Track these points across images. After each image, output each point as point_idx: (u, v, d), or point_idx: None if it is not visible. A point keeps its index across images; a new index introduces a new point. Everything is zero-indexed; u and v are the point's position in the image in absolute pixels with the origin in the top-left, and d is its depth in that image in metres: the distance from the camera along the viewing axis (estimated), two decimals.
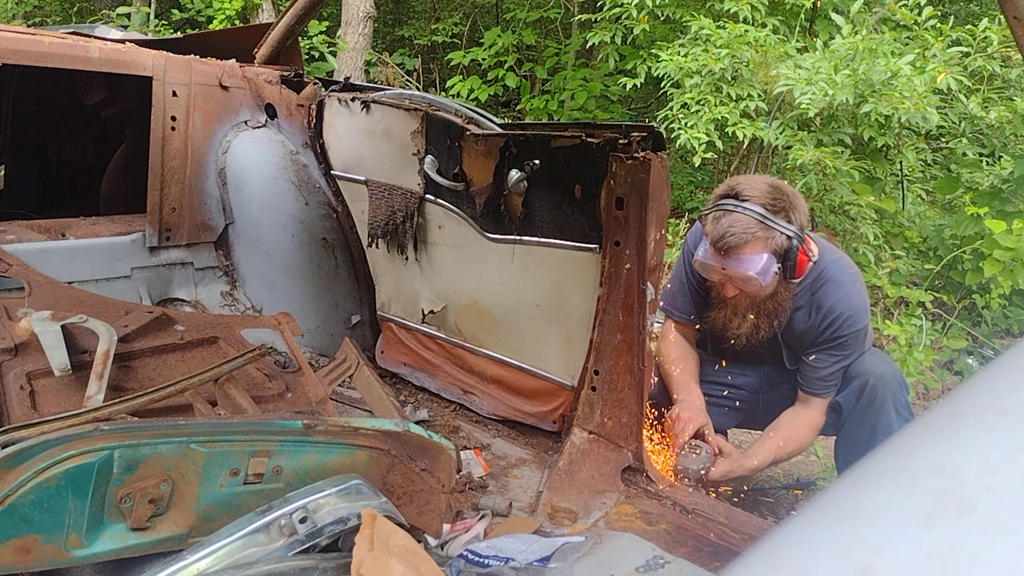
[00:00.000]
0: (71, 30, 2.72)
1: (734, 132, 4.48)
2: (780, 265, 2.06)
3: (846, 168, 4.29)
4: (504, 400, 2.36)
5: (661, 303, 2.40)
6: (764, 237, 2.02)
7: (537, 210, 2.09)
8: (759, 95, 4.62)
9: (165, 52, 2.51)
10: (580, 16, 6.51)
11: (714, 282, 2.19)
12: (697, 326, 2.43)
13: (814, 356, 2.22)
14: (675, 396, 2.27)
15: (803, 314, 2.21)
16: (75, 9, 8.82)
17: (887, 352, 3.25)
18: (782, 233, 2.04)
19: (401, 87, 5.45)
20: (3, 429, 1.30)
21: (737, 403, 2.43)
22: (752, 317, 2.20)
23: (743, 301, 2.17)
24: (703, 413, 2.20)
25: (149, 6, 7.40)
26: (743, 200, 2.04)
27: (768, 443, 2.26)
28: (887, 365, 2.24)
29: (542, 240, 2.11)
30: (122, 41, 2.61)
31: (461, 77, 7.31)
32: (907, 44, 4.51)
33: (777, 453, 2.25)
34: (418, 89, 6.81)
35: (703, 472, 2.10)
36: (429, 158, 2.28)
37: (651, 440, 2.20)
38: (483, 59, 7.18)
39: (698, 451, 2.13)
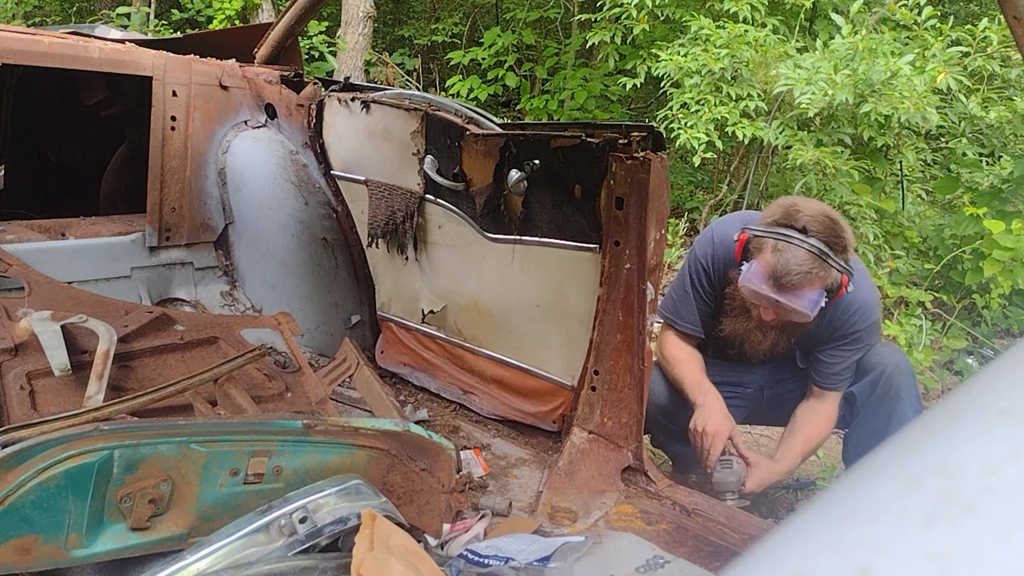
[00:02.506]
0: (71, 30, 2.72)
1: (734, 132, 4.48)
2: (826, 298, 2.06)
3: (846, 168, 4.29)
4: (504, 400, 2.36)
5: (661, 310, 2.36)
6: (823, 276, 2.01)
7: (537, 210, 2.09)
8: (759, 95, 4.62)
9: (165, 52, 2.51)
10: (580, 16, 6.51)
11: (748, 300, 2.14)
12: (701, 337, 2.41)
13: (829, 352, 2.22)
14: (693, 400, 2.21)
15: (817, 314, 2.21)
16: (75, 9, 8.82)
17: None
18: (839, 272, 2.03)
19: (401, 87, 5.45)
20: (3, 429, 1.30)
21: (741, 400, 2.43)
22: (774, 335, 2.18)
23: (774, 321, 2.15)
24: (728, 418, 2.16)
25: (149, 6, 7.40)
26: (807, 235, 2.00)
27: (793, 444, 2.27)
28: (900, 355, 2.27)
29: (542, 240, 2.11)
30: (122, 41, 2.61)
31: (461, 77, 7.31)
32: (907, 44, 4.51)
33: (803, 451, 2.27)
34: (418, 89, 6.82)
35: (741, 486, 2.11)
36: (429, 158, 2.28)
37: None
38: (483, 59, 7.17)
39: (730, 464, 2.13)
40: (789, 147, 4.39)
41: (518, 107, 7.41)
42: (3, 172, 2.55)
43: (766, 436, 3.21)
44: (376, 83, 5.51)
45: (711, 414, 2.15)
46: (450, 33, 8.62)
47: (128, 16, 6.96)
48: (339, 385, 2.24)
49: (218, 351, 2.02)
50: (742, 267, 2.09)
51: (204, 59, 2.60)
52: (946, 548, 0.36)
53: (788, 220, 2.04)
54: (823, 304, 2.05)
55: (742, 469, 2.13)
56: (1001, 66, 4.73)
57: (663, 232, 1.89)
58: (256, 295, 2.66)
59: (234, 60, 2.70)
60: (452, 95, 6.95)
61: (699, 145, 4.51)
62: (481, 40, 7.47)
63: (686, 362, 2.29)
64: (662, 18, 5.41)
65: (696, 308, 2.33)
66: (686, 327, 2.33)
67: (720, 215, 5.43)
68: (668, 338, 2.37)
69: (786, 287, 2.01)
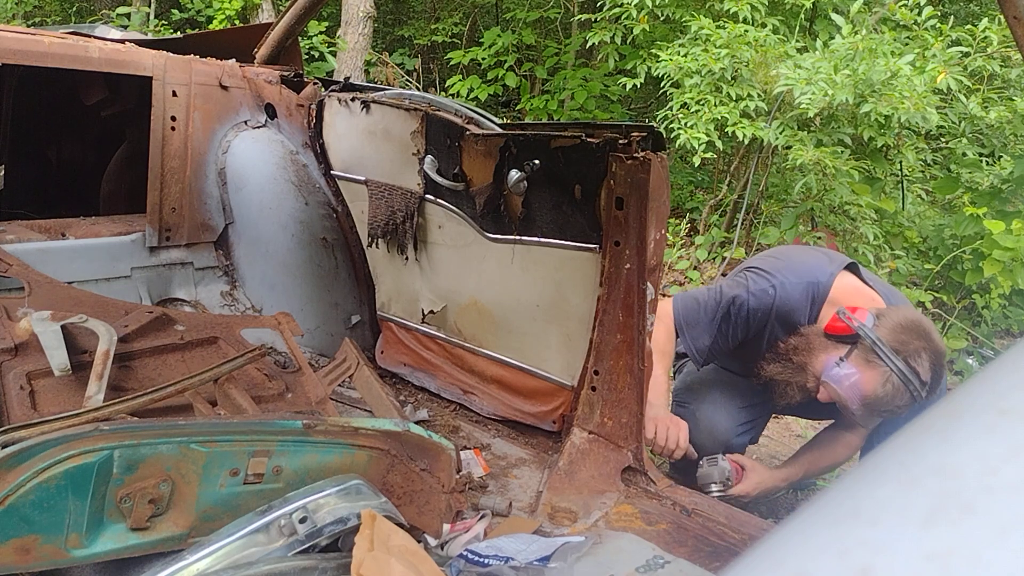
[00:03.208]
0: (71, 30, 2.72)
1: (734, 132, 4.48)
2: None
3: (846, 168, 4.29)
4: (504, 400, 2.36)
5: (680, 312, 2.26)
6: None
7: (537, 210, 2.09)
8: (759, 95, 4.62)
9: (165, 52, 2.51)
10: (580, 16, 6.51)
11: (796, 346, 2.10)
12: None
13: None
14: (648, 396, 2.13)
15: None
16: (75, 9, 8.82)
17: None
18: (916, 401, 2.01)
19: (401, 87, 5.45)
20: (3, 429, 1.30)
21: (767, 417, 2.43)
22: (805, 396, 2.15)
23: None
24: (679, 418, 2.19)
25: (149, 6, 7.40)
26: (924, 387, 1.95)
27: (802, 459, 2.29)
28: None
29: (542, 240, 2.11)
30: (122, 41, 2.61)
31: (461, 77, 7.31)
32: (907, 44, 4.51)
33: (809, 468, 2.27)
34: (418, 89, 6.81)
35: (727, 482, 2.11)
36: (429, 158, 2.28)
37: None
38: (483, 59, 7.17)
39: (716, 462, 2.14)
40: (789, 147, 4.39)
41: (518, 107, 7.41)
42: (3, 172, 2.55)
43: (766, 436, 3.21)
44: (376, 83, 5.51)
45: (658, 412, 2.16)
46: (450, 33, 8.61)
47: (128, 16, 6.96)
48: (339, 385, 2.24)
49: (218, 351, 2.02)
50: (839, 364, 2.00)
51: (204, 59, 2.60)
52: (946, 548, 0.36)
53: (913, 361, 1.95)
54: None
55: (728, 465, 2.14)
56: (1001, 66, 4.73)
57: (663, 232, 1.89)
58: (256, 295, 2.66)
59: (234, 60, 2.70)
60: (452, 95, 6.95)
61: (699, 145, 4.51)
62: (481, 40, 7.47)
63: (659, 360, 2.18)
64: (662, 18, 5.41)
65: (716, 344, 2.24)
66: (688, 347, 2.25)
67: (720, 215, 5.44)
68: (663, 321, 2.24)
69: (871, 412, 2.02)
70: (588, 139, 1.88)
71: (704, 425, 2.28)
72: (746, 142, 4.60)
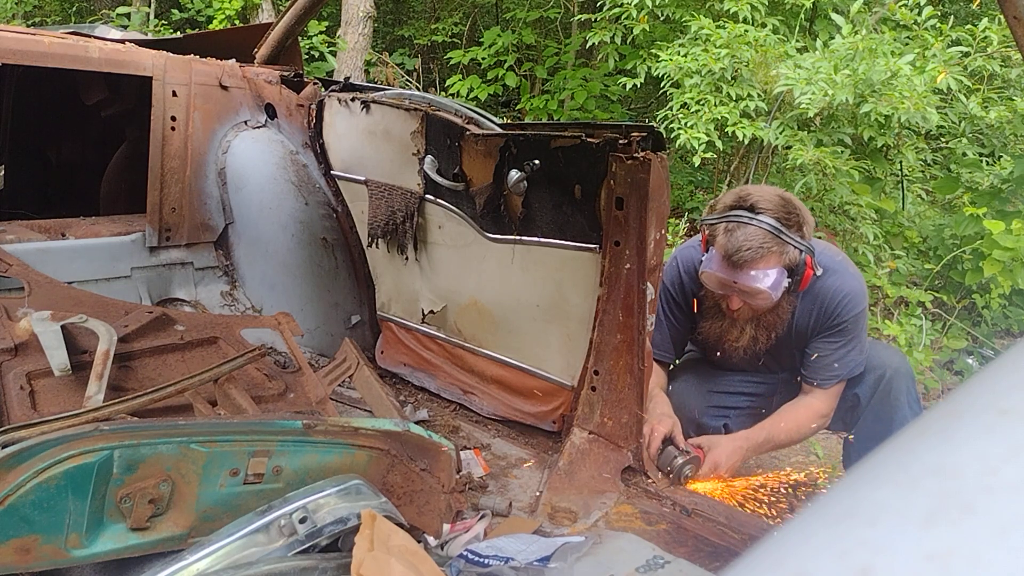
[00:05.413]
0: (71, 30, 2.72)
1: (734, 132, 4.48)
2: (789, 279, 2.06)
3: (846, 168, 4.29)
4: (504, 400, 2.35)
5: None
6: (778, 252, 2.01)
7: (537, 210, 2.09)
8: (759, 95, 4.62)
9: (165, 52, 2.51)
10: (580, 16, 6.51)
11: (715, 294, 2.17)
12: (671, 365, 2.42)
13: (813, 344, 2.23)
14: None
15: (804, 312, 2.21)
16: (75, 9, 8.82)
17: None
18: (795, 248, 2.03)
19: (401, 87, 5.45)
20: (3, 429, 1.30)
21: (750, 408, 2.43)
22: (751, 330, 2.20)
23: (744, 313, 2.16)
24: (668, 417, 2.19)
25: (149, 6, 7.40)
26: (757, 212, 2.02)
27: (763, 422, 2.27)
28: (901, 358, 2.29)
29: (542, 240, 2.11)
30: (122, 41, 2.61)
31: (461, 77, 7.31)
32: (907, 44, 4.51)
33: (771, 429, 2.23)
34: (418, 89, 6.81)
35: (688, 465, 2.09)
36: (429, 158, 2.28)
37: None
38: (483, 59, 7.17)
39: (670, 453, 2.13)
40: (789, 147, 4.39)
41: (518, 107, 7.40)
42: (3, 172, 2.55)
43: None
44: (376, 83, 5.51)
45: (651, 414, 2.18)
46: (450, 33, 8.61)
47: (128, 16, 6.96)
48: (339, 385, 2.24)
49: (218, 351, 2.02)
50: (703, 258, 2.12)
51: (204, 59, 2.60)
52: (946, 548, 0.36)
53: (738, 203, 2.06)
54: (787, 284, 2.05)
55: (689, 450, 2.13)
56: (1001, 66, 4.73)
57: (663, 232, 1.89)
58: (256, 295, 2.66)
59: (234, 60, 2.70)
60: (452, 95, 6.94)
61: (699, 145, 4.51)
62: (481, 40, 7.47)
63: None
64: (662, 18, 5.41)
65: (669, 333, 2.36)
66: (659, 354, 2.33)
67: None
68: None
69: (740, 265, 2.01)
70: (588, 139, 1.88)
71: (675, 401, 2.34)
72: (746, 142, 4.60)
